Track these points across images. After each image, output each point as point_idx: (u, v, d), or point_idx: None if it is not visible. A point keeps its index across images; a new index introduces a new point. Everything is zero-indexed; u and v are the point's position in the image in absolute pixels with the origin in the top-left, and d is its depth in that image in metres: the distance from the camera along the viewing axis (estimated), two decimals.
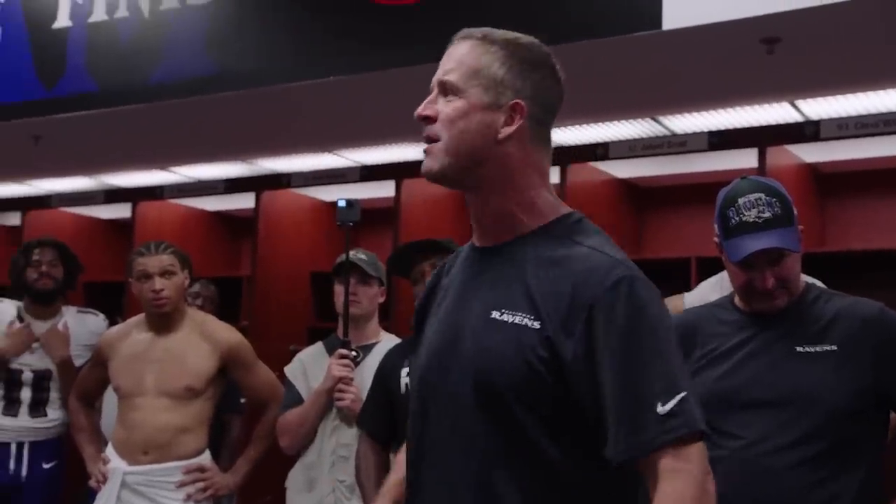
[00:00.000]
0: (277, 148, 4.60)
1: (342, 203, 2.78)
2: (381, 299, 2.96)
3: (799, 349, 1.92)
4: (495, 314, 1.34)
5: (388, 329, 3.13)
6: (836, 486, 1.87)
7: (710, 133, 4.00)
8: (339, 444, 2.76)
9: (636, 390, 1.25)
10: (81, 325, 3.61)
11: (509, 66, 1.38)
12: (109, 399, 3.24)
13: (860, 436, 1.90)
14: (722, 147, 3.99)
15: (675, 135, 4.08)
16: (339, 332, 2.85)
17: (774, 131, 3.88)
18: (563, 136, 4.12)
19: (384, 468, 2.42)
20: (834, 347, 1.91)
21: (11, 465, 3.46)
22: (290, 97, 3.68)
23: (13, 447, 3.47)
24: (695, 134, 4.04)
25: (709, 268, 3.02)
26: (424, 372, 1.44)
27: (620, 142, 4.18)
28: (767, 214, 1.91)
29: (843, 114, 3.72)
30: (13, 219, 5.90)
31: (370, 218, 3.74)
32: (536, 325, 1.31)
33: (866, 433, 1.91)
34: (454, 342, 1.39)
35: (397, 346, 2.70)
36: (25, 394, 3.49)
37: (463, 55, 1.40)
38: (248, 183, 5.09)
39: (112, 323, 3.64)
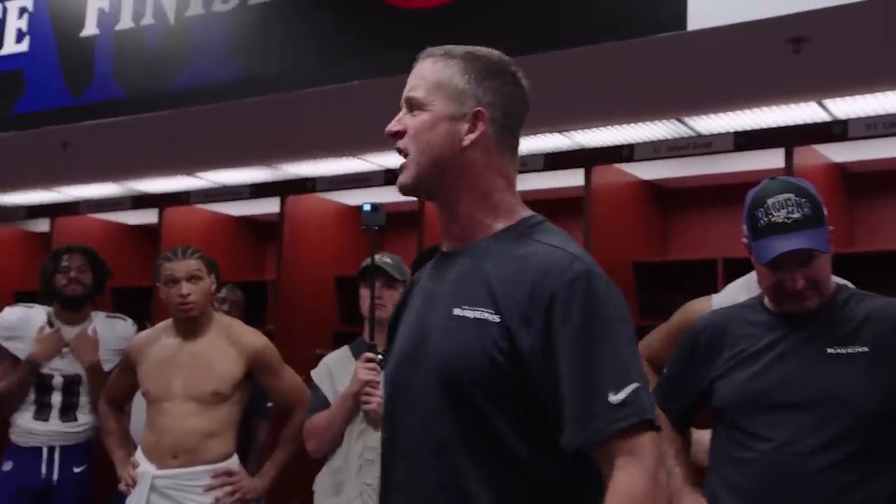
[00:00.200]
0: (302, 153, 4.62)
1: (367, 207, 2.78)
2: None
3: (830, 351, 1.91)
4: (457, 311, 1.38)
5: None
6: (867, 490, 1.85)
7: (737, 133, 3.97)
8: (365, 447, 2.76)
9: (589, 381, 1.30)
10: (110, 330, 3.64)
11: (469, 76, 1.45)
12: (138, 403, 3.27)
13: (892, 438, 1.89)
14: (748, 147, 3.96)
15: (700, 136, 4.06)
16: (365, 335, 2.85)
17: (802, 131, 3.84)
18: (588, 137, 4.10)
19: None
20: (865, 349, 1.89)
21: (43, 469, 3.49)
22: (314, 102, 3.70)
23: (44, 451, 3.50)
24: (721, 135, 4.01)
25: (735, 269, 2.99)
26: (394, 375, 1.49)
27: (645, 143, 4.16)
28: (797, 215, 1.89)
29: (872, 113, 3.68)
30: (42, 225, 5.97)
31: (395, 221, 3.74)
32: (496, 318, 1.35)
33: None
34: (421, 343, 1.43)
35: None
36: (56, 398, 3.52)
37: (425, 71, 1.48)
38: (273, 188, 5.12)
39: (140, 328, 3.66)
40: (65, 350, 3.54)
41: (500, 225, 1.45)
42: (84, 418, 3.55)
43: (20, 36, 4.22)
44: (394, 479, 1.45)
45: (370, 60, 3.39)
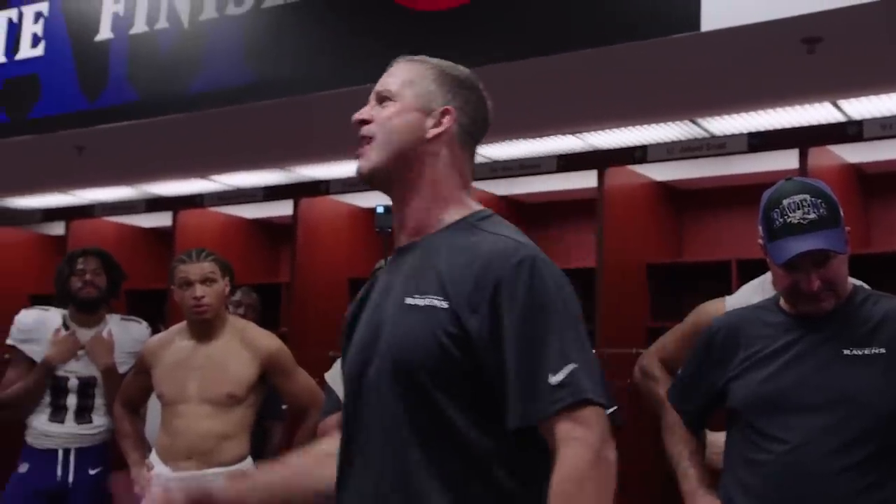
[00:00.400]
0: (315, 155, 4.63)
1: (380, 209, 2.78)
2: None
3: (846, 352, 1.89)
4: (409, 300, 1.42)
5: None
6: (884, 492, 1.83)
7: (751, 134, 3.96)
8: None
9: (531, 363, 1.34)
10: (125, 333, 3.65)
11: (441, 82, 1.52)
12: (153, 406, 3.28)
13: None
14: (763, 148, 3.94)
15: (714, 136, 4.04)
16: None
17: (816, 132, 3.82)
18: (601, 139, 4.09)
19: None
20: (882, 350, 1.88)
21: (58, 471, 3.50)
22: (327, 104, 3.70)
23: (60, 453, 3.52)
24: (735, 135, 4.00)
25: (749, 270, 2.98)
26: (350, 367, 1.51)
27: (659, 144, 4.15)
28: (813, 216, 1.88)
29: (887, 113, 3.66)
30: (58, 228, 6.00)
31: None
32: (445, 304, 1.38)
33: None
34: (376, 334, 1.46)
35: None
36: (71, 400, 3.54)
37: (399, 71, 1.55)
38: (287, 190, 5.14)
39: (155, 330, 3.68)
40: (80, 352, 3.56)
41: (452, 218, 1.49)
42: (99, 420, 3.57)
43: (35, 40, 4.25)
44: (350, 466, 1.46)
45: (383, 63, 3.38)
